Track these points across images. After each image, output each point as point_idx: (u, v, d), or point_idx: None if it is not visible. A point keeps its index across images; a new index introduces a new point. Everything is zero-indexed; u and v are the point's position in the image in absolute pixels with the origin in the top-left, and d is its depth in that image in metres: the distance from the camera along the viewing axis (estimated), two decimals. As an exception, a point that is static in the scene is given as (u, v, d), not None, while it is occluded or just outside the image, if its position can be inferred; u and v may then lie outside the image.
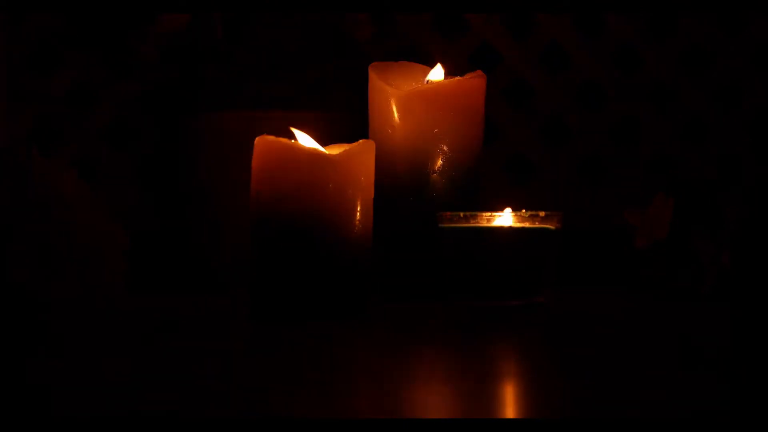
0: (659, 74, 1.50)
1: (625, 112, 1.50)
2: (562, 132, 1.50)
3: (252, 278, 1.00)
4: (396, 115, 1.12)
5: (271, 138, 0.99)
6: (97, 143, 1.45)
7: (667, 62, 1.50)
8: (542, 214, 1.01)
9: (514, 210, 1.02)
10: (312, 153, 0.99)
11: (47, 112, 1.45)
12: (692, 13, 1.50)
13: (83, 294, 1.09)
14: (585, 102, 1.50)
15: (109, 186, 1.44)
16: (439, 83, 1.13)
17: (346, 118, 1.28)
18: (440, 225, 1.03)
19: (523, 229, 1.01)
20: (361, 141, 1.01)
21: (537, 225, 1.01)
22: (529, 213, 1.01)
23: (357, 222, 0.99)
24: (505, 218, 1.01)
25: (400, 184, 1.12)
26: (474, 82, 1.13)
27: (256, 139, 0.99)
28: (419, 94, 1.12)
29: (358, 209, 0.99)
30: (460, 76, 1.13)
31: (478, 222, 1.01)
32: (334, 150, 1.01)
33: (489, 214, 1.01)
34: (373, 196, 1.01)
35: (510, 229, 1.01)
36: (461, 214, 1.02)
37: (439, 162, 1.12)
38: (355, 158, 1.00)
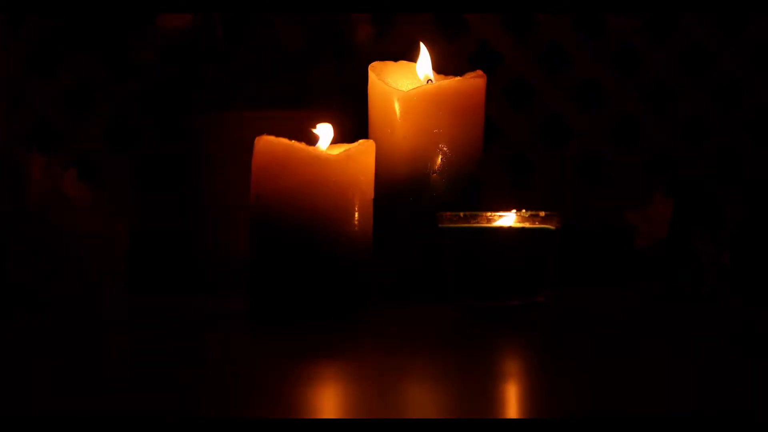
0: (659, 74, 1.50)
1: (625, 112, 1.50)
2: (562, 132, 1.50)
3: (252, 278, 1.00)
4: (396, 115, 1.12)
5: (271, 138, 0.99)
6: (97, 143, 1.45)
7: (667, 62, 1.50)
8: (542, 214, 1.01)
9: (514, 210, 1.02)
10: (312, 153, 0.99)
11: (47, 112, 1.44)
12: (692, 13, 1.50)
13: (83, 294, 1.09)
14: (585, 102, 1.50)
15: (109, 186, 1.44)
16: (439, 83, 1.13)
17: (345, 118, 1.28)
18: (440, 225, 1.03)
19: (523, 229, 1.00)
20: (361, 141, 1.01)
21: (537, 225, 1.01)
22: (529, 213, 1.01)
23: (357, 222, 0.99)
24: (504, 218, 1.01)
25: (400, 184, 1.12)
26: (474, 82, 1.13)
27: (256, 139, 0.99)
28: (419, 94, 1.12)
29: (358, 209, 0.99)
30: (460, 76, 1.13)
31: (478, 222, 1.01)
32: (334, 150, 1.01)
33: (489, 214, 1.01)
34: (373, 196, 1.01)
35: (510, 229, 1.00)
36: (461, 214, 1.02)
37: (439, 162, 1.12)
38: (355, 158, 1.00)
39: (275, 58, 1.35)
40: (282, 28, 1.35)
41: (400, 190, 1.12)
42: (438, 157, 1.12)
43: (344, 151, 1.00)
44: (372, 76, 1.13)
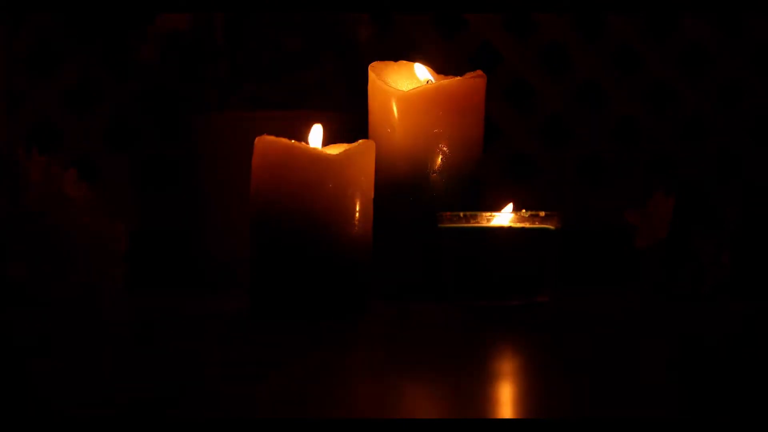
0: (659, 74, 1.50)
1: (625, 112, 1.50)
2: (562, 132, 1.50)
3: (252, 277, 1.00)
4: (396, 115, 1.12)
5: (271, 138, 0.99)
6: (97, 143, 1.45)
7: (667, 62, 1.50)
8: (542, 214, 1.01)
9: (514, 210, 1.02)
10: (312, 153, 0.99)
11: (47, 112, 1.45)
12: (692, 13, 1.50)
13: (83, 294, 1.09)
14: (585, 102, 1.50)
15: (109, 186, 1.44)
16: (439, 83, 1.13)
17: (345, 118, 1.28)
18: (440, 225, 1.03)
19: (522, 229, 1.00)
20: (361, 141, 1.01)
21: (537, 225, 1.01)
22: (529, 213, 1.01)
23: (357, 222, 0.99)
24: (505, 218, 1.01)
25: (400, 184, 1.12)
26: (474, 82, 1.13)
27: (256, 139, 0.99)
28: (419, 94, 1.12)
29: (358, 209, 0.99)
30: (460, 76, 1.13)
31: (478, 222, 1.01)
32: (334, 150, 1.01)
33: (489, 214, 1.01)
34: (373, 196, 1.01)
35: (510, 229, 1.00)
36: (461, 214, 1.02)
37: (439, 162, 1.12)
38: (355, 158, 1.00)
39: (275, 58, 1.35)
40: (282, 28, 1.35)
41: (400, 190, 1.12)
42: (438, 156, 1.12)
43: (344, 151, 1.00)
44: (372, 76, 1.13)
